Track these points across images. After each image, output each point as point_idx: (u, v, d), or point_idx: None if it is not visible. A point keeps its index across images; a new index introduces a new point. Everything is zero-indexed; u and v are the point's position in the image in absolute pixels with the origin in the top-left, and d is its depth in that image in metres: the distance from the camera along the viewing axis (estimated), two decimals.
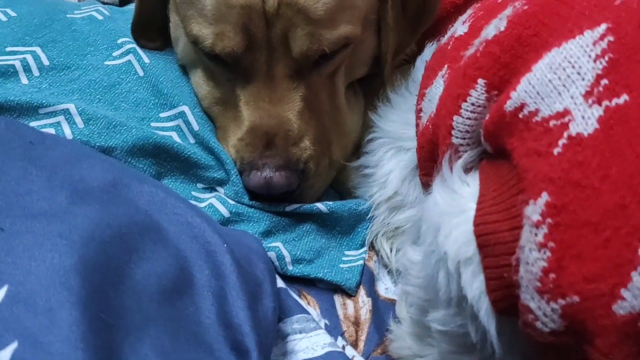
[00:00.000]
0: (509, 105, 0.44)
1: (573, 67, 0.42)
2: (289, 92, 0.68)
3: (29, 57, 0.70)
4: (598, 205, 0.37)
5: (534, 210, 0.40)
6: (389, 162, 0.70)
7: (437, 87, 0.58)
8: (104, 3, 0.89)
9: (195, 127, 0.70)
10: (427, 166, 0.58)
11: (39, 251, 0.43)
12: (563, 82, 0.42)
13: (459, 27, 0.61)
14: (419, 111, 0.63)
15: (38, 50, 0.71)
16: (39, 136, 0.58)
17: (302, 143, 0.68)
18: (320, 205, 0.69)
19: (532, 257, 0.39)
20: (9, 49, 0.70)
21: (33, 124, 0.65)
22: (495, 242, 0.42)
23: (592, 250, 0.37)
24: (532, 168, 0.41)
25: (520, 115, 0.43)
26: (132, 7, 0.81)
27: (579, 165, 0.39)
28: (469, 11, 0.65)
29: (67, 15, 0.78)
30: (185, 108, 0.70)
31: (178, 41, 0.75)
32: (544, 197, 0.39)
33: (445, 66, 0.58)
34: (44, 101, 0.66)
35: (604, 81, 0.40)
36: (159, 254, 0.50)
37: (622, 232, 0.36)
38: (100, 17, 0.78)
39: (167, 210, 0.54)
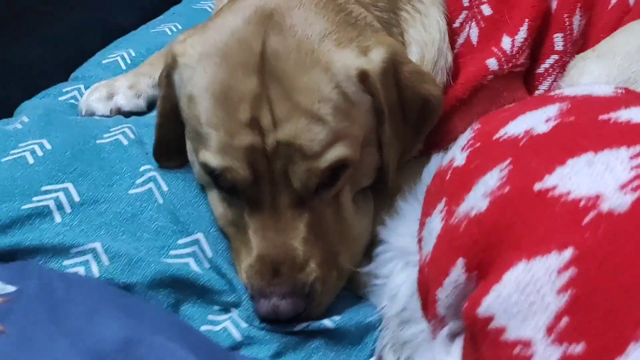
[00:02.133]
0: (480, 313, 0.46)
1: (538, 292, 0.43)
2: (293, 221, 0.72)
3: (62, 195, 0.78)
4: None
5: None
6: (399, 276, 0.71)
7: (436, 223, 0.59)
8: (130, 114, 0.96)
9: (209, 253, 0.76)
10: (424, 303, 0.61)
11: None
12: (528, 308, 0.43)
13: (458, 154, 0.62)
14: (420, 235, 0.65)
15: (70, 186, 0.79)
16: (64, 290, 0.66)
17: (307, 267, 0.73)
18: (327, 322, 0.74)
19: None
20: (44, 188, 0.78)
21: (66, 262, 0.73)
22: None
23: None
24: None
25: (489, 328, 0.45)
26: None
27: None
28: (469, 132, 0.65)
29: (97, 142, 0.86)
30: (200, 235, 0.77)
31: (194, 164, 0.81)
32: None
33: (444, 201, 0.59)
34: (74, 242, 0.74)
35: (565, 319, 0.42)
36: None
37: None
38: (125, 142, 0.85)
39: None
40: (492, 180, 0.52)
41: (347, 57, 0.72)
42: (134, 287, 0.72)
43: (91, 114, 0.97)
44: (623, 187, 0.44)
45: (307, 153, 0.69)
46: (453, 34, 0.90)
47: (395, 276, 0.71)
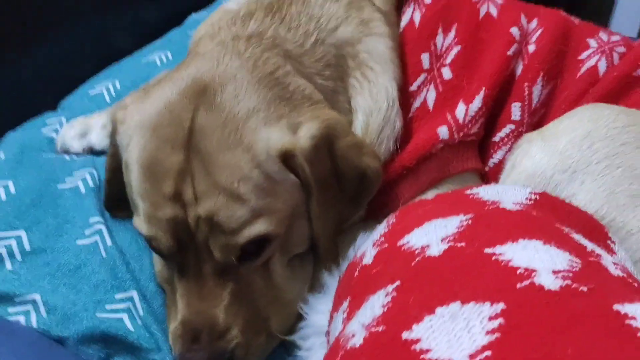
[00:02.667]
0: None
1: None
2: (216, 289, 0.75)
3: (14, 243, 0.83)
4: None
5: None
6: (317, 353, 0.71)
7: (338, 323, 0.61)
8: (102, 153, 1.01)
9: (141, 312, 0.80)
10: None
11: None
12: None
13: (369, 250, 0.64)
14: (329, 328, 0.67)
15: (23, 234, 0.84)
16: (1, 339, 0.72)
17: (228, 334, 0.75)
18: None
19: None
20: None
21: (10, 309, 0.78)
22: None
23: None
24: None
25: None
26: None
27: None
28: (384, 226, 0.66)
29: (59, 186, 0.91)
30: (134, 293, 0.81)
31: None
32: None
33: (347, 301, 0.61)
34: (18, 290, 0.79)
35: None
36: None
37: None
38: (83, 190, 0.90)
39: None
40: (377, 304, 0.53)
41: (272, 136, 0.73)
42: (67, 340, 0.77)
43: (66, 150, 1.02)
44: (472, 357, 0.45)
45: (225, 229, 0.72)
46: (409, 97, 0.91)
47: (314, 353, 0.72)
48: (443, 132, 0.87)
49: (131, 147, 0.76)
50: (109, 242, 0.84)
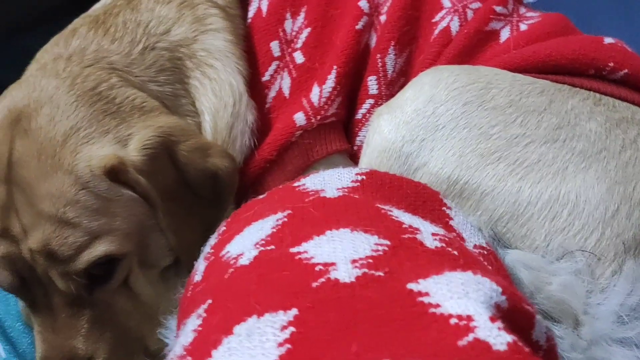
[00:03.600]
0: None
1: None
2: (70, 320, 0.72)
3: None
4: None
5: None
6: None
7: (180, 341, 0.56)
8: None
9: (3, 354, 0.77)
10: None
11: None
12: None
13: (200, 263, 0.61)
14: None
15: None
16: None
17: None
18: None
19: None
20: None
21: None
22: None
23: None
24: None
25: None
26: None
27: None
28: (215, 236, 0.63)
29: None
30: None
31: None
32: None
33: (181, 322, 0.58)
34: None
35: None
36: None
37: None
38: None
39: None
40: (189, 330, 0.50)
41: (94, 154, 0.70)
42: None
43: None
44: None
45: (60, 257, 0.69)
46: (263, 87, 0.88)
47: None
48: (299, 118, 0.85)
49: None
50: None
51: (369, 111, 0.88)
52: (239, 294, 0.49)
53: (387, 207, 0.57)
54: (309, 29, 0.89)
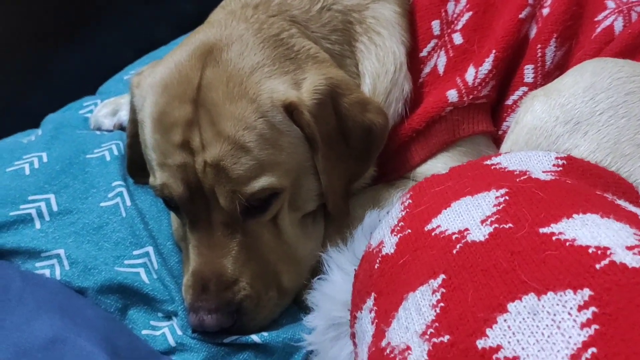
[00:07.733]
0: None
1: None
2: (224, 239, 0.78)
3: (43, 205, 0.89)
4: None
5: None
6: (333, 348, 0.65)
7: (366, 324, 0.56)
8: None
9: (156, 266, 0.84)
10: None
11: None
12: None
13: (387, 238, 0.58)
14: (352, 330, 0.61)
15: (52, 197, 0.90)
16: (20, 288, 0.78)
17: (236, 286, 0.78)
18: (255, 337, 0.79)
19: None
20: (30, 197, 0.90)
21: (37, 264, 0.84)
22: None
23: None
24: None
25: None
26: None
27: None
28: (398, 209, 0.61)
29: (87, 156, 0.97)
30: (150, 249, 0.85)
31: None
32: None
33: (372, 297, 0.56)
34: (45, 247, 0.85)
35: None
36: None
37: None
38: (108, 158, 0.96)
39: None
40: (423, 304, 0.48)
41: (276, 88, 0.77)
42: (86, 290, 0.82)
43: (98, 127, 1.08)
44: (574, 358, 0.38)
45: (231, 176, 0.75)
46: (419, 62, 0.92)
47: (330, 347, 0.66)
48: (452, 94, 0.88)
49: (145, 106, 0.80)
50: (128, 203, 0.89)
51: (521, 98, 0.90)
52: (489, 271, 0.45)
53: (610, 196, 0.54)
54: (470, 13, 0.92)
